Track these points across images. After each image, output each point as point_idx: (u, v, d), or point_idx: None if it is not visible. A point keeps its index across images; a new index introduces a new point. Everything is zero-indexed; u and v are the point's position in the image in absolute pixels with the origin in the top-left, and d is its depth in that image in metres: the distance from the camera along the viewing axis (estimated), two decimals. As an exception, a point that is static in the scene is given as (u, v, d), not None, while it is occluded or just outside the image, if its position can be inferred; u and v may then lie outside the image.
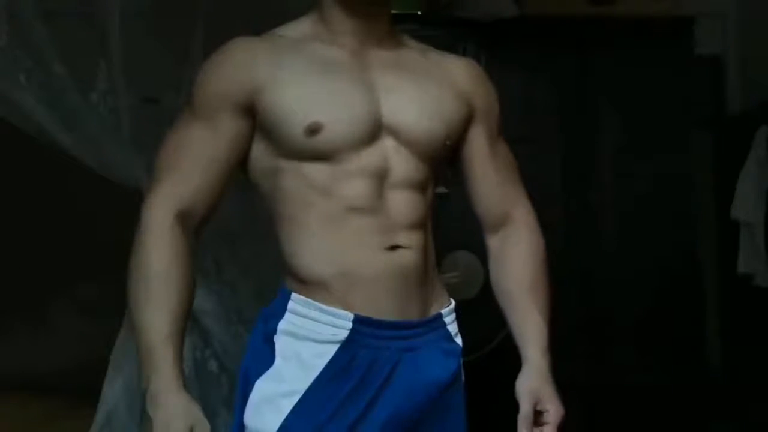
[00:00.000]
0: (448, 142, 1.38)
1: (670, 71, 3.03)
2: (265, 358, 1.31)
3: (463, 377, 1.41)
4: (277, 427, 1.26)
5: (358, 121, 1.29)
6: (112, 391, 2.31)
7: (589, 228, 3.05)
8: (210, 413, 2.39)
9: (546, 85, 3.04)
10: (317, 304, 1.29)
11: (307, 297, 1.30)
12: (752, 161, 3.13)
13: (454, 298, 1.43)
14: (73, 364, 3.06)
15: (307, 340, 1.29)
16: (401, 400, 1.30)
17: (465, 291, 2.63)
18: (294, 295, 1.31)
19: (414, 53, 1.42)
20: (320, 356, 1.28)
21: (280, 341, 1.30)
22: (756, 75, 3.41)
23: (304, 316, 1.30)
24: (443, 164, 1.43)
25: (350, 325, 1.28)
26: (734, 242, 3.17)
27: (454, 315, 1.41)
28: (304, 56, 1.32)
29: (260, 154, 1.33)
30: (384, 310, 1.30)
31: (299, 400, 1.26)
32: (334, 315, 1.28)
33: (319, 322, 1.29)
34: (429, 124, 1.34)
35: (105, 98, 2.30)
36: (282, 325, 1.31)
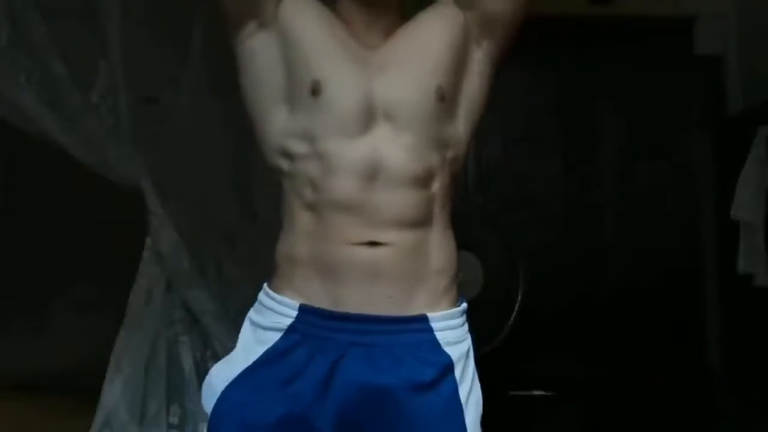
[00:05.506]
0: (442, 95, 1.30)
1: (670, 71, 3.03)
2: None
3: (455, 392, 1.26)
4: (211, 409, 1.27)
5: (354, 91, 1.27)
6: (112, 391, 2.31)
7: (589, 227, 3.05)
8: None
9: (546, 84, 3.04)
10: (272, 292, 1.30)
11: (270, 285, 1.32)
12: (752, 161, 3.12)
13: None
14: (73, 364, 3.05)
15: (258, 327, 1.30)
16: (347, 394, 1.23)
17: (465, 291, 2.62)
18: (264, 285, 1.33)
19: (412, 24, 1.38)
20: (263, 343, 1.28)
21: (243, 329, 1.33)
22: (756, 75, 3.41)
23: (262, 304, 1.32)
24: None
25: (295, 313, 1.27)
26: (734, 242, 3.17)
27: (452, 322, 1.32)
28: (332, 28, 1.33)
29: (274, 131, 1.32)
30: (343, 301, 1.25)
31: (230, 383, 1.27)
32: (281, 303, 1.29)
33: (269, 309, 1.30)
34: (418, 93, 1.29)
35: (105, 98, 2.30)
36: (250, 313, 1.33)
